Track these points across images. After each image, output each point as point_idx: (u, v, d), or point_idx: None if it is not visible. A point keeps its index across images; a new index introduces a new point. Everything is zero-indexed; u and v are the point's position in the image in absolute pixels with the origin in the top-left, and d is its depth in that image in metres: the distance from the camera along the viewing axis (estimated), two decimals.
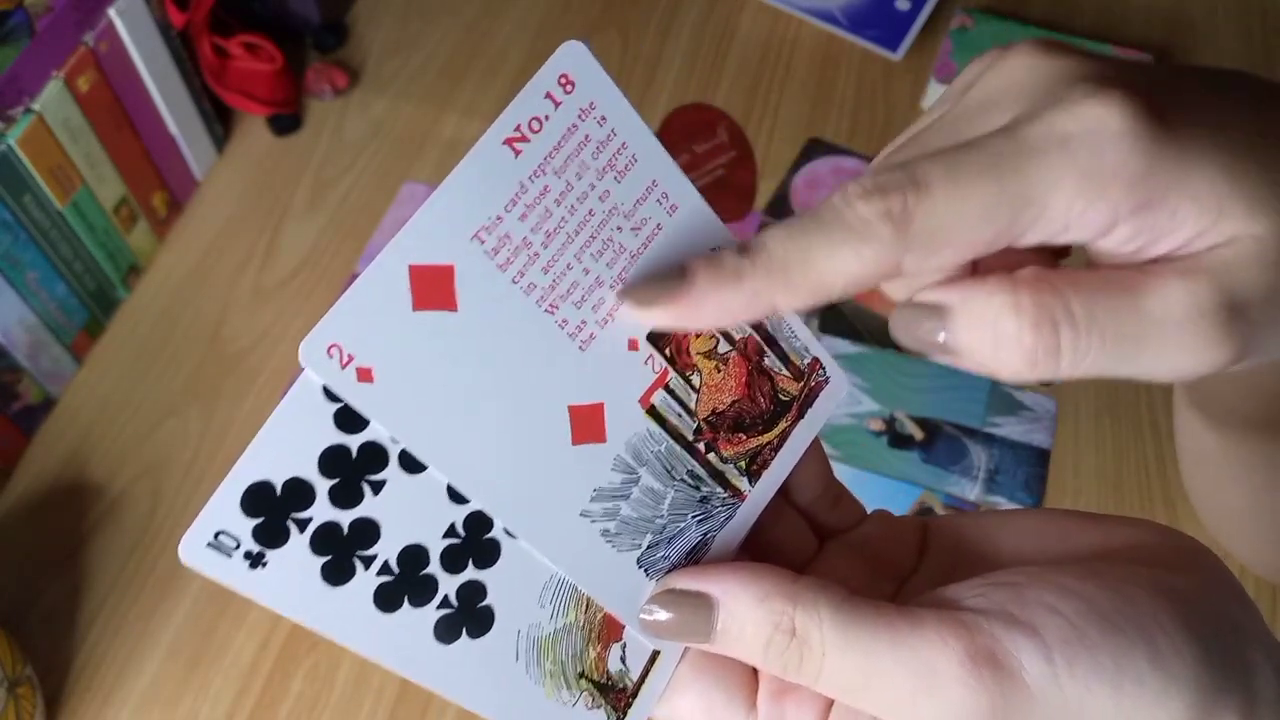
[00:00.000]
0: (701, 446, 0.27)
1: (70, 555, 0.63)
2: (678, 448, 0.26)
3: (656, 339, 0.26)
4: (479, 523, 0.25)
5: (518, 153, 0.24)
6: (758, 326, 0.28)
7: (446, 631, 0.25)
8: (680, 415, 0.26)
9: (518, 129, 0.24)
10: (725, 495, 0.27)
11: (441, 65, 0.85)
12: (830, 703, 0.25)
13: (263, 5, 0.82)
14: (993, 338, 0.22)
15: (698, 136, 0.81)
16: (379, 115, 0.83)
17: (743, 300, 0.23)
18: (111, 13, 0.66)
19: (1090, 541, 0.25)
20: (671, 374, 0.26)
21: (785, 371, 0.28)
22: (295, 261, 0.75)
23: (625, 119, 0.25)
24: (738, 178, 0.79)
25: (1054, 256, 0.26)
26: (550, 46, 0.25)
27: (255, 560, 0.22)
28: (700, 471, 0.27)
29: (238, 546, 0.22)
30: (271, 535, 0.22)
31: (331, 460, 0.23)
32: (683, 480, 0.27)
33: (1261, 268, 0.22)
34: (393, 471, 0.23)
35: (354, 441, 0.23)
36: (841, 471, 0.66)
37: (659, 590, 0.26)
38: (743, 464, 0.27)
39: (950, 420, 0.68)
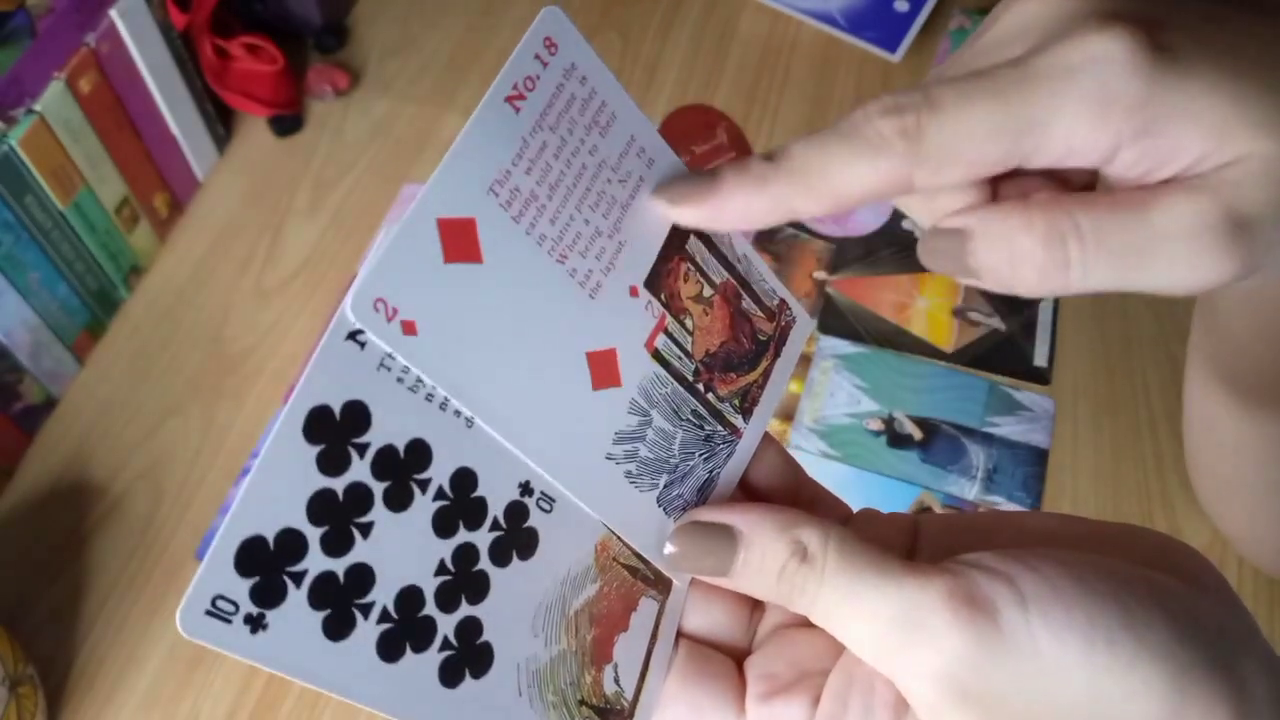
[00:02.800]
0: (701, 386, 0.28)
1: (72, 555, 0.64)
2: (681, 389, 0.28)
3: (652, 284, 0.27)
4: (467, 555, 0.25)
5: (518, 110, 0.25)
6: (732, 270, 0.29)
7: (451, 675, 0.24)
8: (680, 358, 0.28)
9: (515, 87, 0.25)
10: (725, 433, 0.29)
11: (442, 66, 0.86)
12: (818, 697, 0.26)
13: (264, 6, 0.82)
14: (1009, 255, 0.24)
15: (697, 137, 0.81)
16: (380, 116, 0.83)
17: (765, 203, 0.25)
18: (113, 14, 0.66)
19: (1086, 540, 0.26)
20: (668, 318, 0.27)
21: (760, 313, 0.30)
22: (297, 262, 0.76)
23: (602, 79, 0.26)
24: None
25: (1073, 186, 0.27)
26: None
27: (256, 624, 0.22)
28: (702, 410, 0.28)
29: (237, 610, 0.21)
30: (269, 594, 0.22)
31: (319, 506, 0.23)
32: (688, 420, 0.28)
33: (1266, 184, 0.23)
34: (379, 512, 0.23)
35: (339, 484, 0.23)
36: (840, 471, 0.66)
37: (684, 523, 0.27)
38: (736, 402, 0.29)
39: (949, 420, 0.69)
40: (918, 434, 0.68)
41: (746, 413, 0.29)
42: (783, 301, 0.30)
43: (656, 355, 0.27)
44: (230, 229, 0.77)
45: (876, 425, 0.68)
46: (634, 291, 0.27)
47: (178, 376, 0.71)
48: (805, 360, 0.71)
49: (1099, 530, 0.26)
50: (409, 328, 0.23)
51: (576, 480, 0.26)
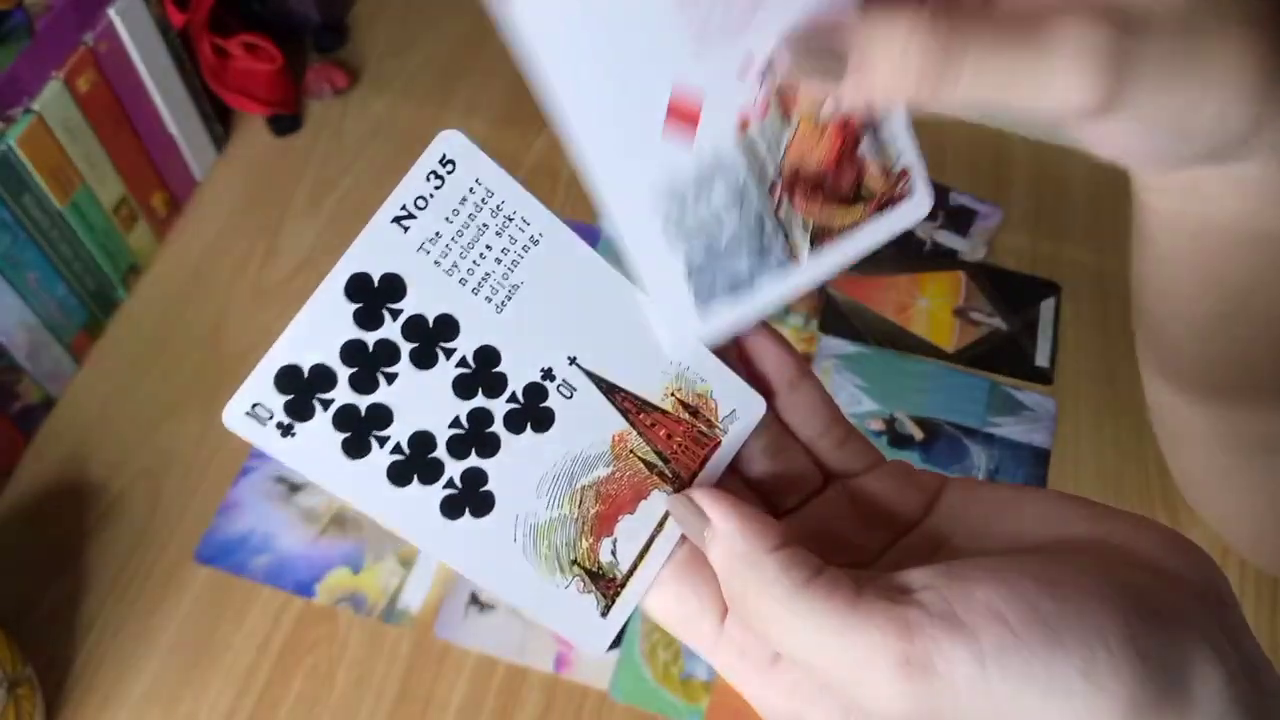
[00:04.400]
0: (777, 193, 0.27)
1: (70, 555, 0.63)
2: (754, 183, 0.27)
3: (769, 71, 0.26)
4: (481, 417, 0.27)
5: None
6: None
7: (451, 509, 0.27)
8: (768, 152, 0.27)
9: None
10: (783, 251, 0.28)
11: (441, 65, 0.85)
12: None
13: (262, 5, 0.82)
14: (899, 55, 0.24)
15: None
16: (379, 115, 0.83)
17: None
18: (111, 12, 0.66)
19: (1089, 533, 0.26)
20: (772, 110, 0.27)
21: (875, 167, 0.28)
22: (295, 261, 0.75)
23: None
24: None
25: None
26: None
27: (286, 430, 0.26)
28: (767, 217, 0.28)
29: (271, 417, 0.26)
30: (300, 410, 0.26)
31: (351, 351, 0.26)
32: (747, 217, 0.27)
33: (1156, 17, 0.24)
34: (404, 367, 0.26)
35: (370, 338, 0.26)
36: None
37: (674, 497, 0.28)
38: (809, 227, 0.28)
39: (950, 420, 0.68)
40: (919, 434, 0.68)
41: (814, 243, 0.28)
42: (906, 170, 0.29)
43: (744, 139, 0.26)
44: (228, 228, 0.77)
45: (878, 425, 0.68)
46: (751, 65, 0.26)
47: (176, 376, 0.70)
48: (805, 360, 0.70)
49: (1105, 525, 0.26)
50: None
51: (611, 190, 0.26)
